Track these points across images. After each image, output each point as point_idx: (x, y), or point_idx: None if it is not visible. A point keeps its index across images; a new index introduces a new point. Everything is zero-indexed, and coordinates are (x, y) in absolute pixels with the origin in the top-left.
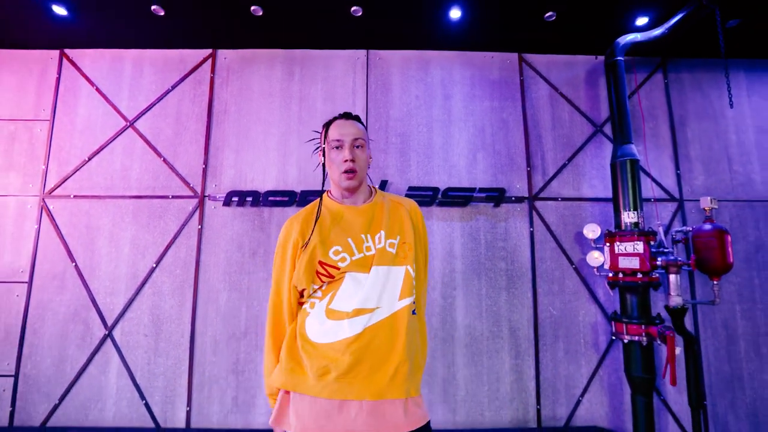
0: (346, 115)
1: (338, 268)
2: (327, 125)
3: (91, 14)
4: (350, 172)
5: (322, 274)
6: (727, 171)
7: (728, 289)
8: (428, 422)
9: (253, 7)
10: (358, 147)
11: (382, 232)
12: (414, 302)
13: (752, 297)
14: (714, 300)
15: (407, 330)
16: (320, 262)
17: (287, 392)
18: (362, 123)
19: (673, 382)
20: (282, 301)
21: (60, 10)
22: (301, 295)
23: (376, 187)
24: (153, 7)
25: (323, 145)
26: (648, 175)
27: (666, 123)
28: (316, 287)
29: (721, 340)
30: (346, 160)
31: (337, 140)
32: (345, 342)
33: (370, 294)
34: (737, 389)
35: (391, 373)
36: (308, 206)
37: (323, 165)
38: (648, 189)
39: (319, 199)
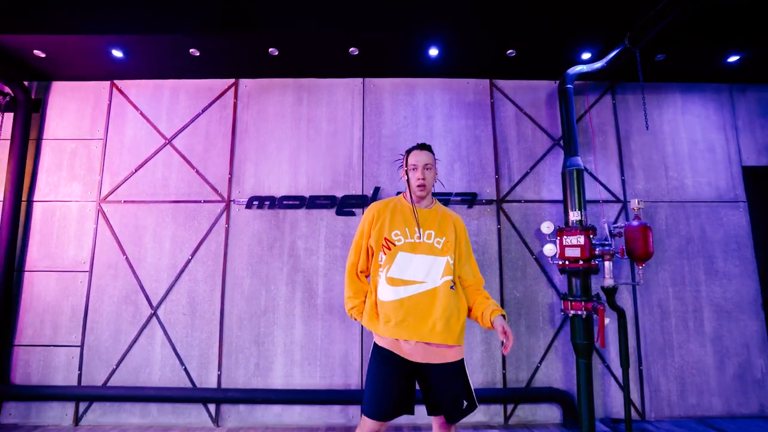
0: (420, 146)
1: (394, 244)
2: (408, 151)
3: (141, 55)
4: (421, 186)
5: (385, 246)
6: (664, 177)
7: (662, 275)
8: (461, 359)
9: (270, 49)
10: (427, 169)
11: (432, 231)
12: (452, 280)
13: (682, 281)
14: (639, 282)
15: (445, 299)
16: (385, 238)
17: None
18: (432, 152)
19: (602, 345)
20: (357, 259)
21: (117, 53)
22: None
23: (436, 199)
24: (191, 50)
25: (405, 167)
26: (597, 180)
27: (613, 137)
28: (383, 256)
29: (656, 316)
30: (418, 179)
31: (414, 165)
32: (399, 302)
33: (417, 272)
34: (668, 356)
35: (429, 326)
36: (387, 199)
37: (407, 177)
38: (597, 193)
39: (397, 195)
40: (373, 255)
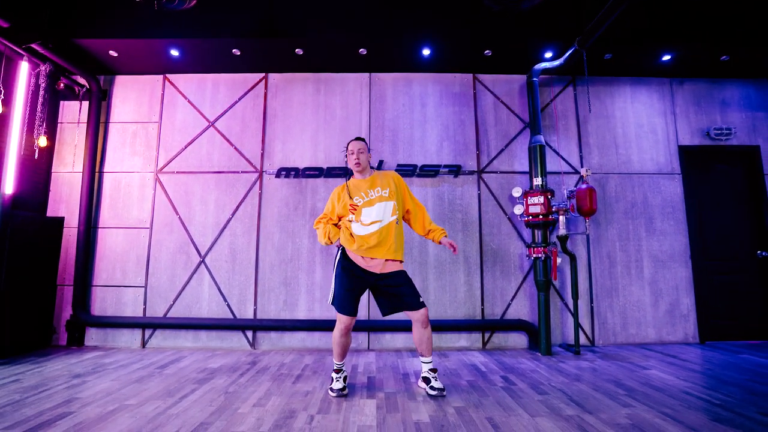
0: (356, 139)
1: (357, 205)
2: (348, 143)
3: (193, 54)
4: (357, 164)
5: (350, 209)
6: (615, 153)
7: (611, 232)
8: (404, 271)
9: (297, 50)
10: (361, 153)
11: (379, 188)
12: (397, 219)
13: (627, 237)
14: (586, 232)
15: (395, 230)
16: (350, 204)
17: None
18: (364, 141)
19: (554, 278)
20: (325, 216)
21: (175, 53)
22: (339, 219)
23: (374, 167)
24: (234, 50)
25: (346, 153)
26: (560, 156)
27: (574, 121)
28: (351, 215)
29: (605, 264)
30: (355, 160)
31: (351, 151)
32: (370, 235)
33: (378, 215)
34: (614, 297)
35: (386, 249)
36: (342, 184)
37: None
38: (560, 166)
39: (347, 178)
40: (340, 218)
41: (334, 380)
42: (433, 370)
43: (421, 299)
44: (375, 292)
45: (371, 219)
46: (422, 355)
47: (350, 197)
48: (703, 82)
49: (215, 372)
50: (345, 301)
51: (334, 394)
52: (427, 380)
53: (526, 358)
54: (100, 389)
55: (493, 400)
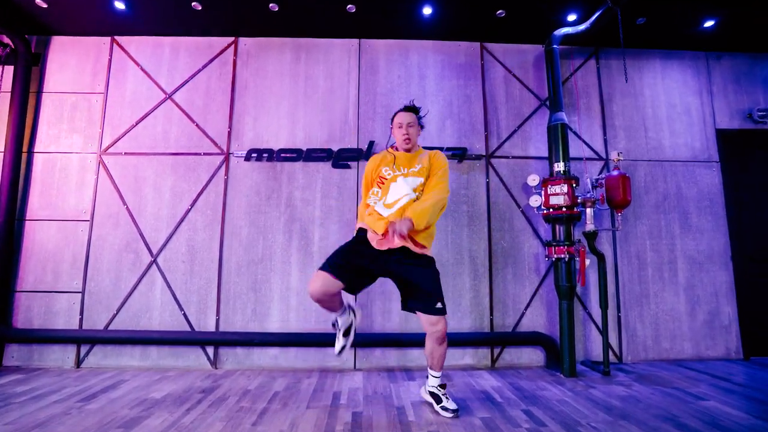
0: (406, 108)
1: (386, 178)
2: (395, 114)
3: (143, 7)
4: (407, 140)
5: (378, 182)
6: (644, 137)
7: (641, 228)
8: (427, 256)
9: (271, 5)
10: (411, 126)
11: (414, 168)
12: (419, 196)
13: (659, 234)
14: (618, 227)
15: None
16: (379, 175)
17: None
18: (416, 111)
19: (583, 284)
20: (366, 190)
21: (120, 5)
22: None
23: (384, 148)
24: (193, 3)
25: (391, 125)
26: (581, 139)
27: (597, 99)
28: (377, 190)
29: (634, 266)
30: (404, 134)
31: (399, 123)
32: (393, 214)
33: (402, 191)
34: (644, 304)
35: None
36: (380, 153)
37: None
38: (581, 151)
39: (388, 147)
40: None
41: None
42: (443, 386)
43: (440, 305)
44: (393, 279)
45: (396, 197)
46: (431, 368)
47: (380, 168)
48: (742, 57)
49: (156, 405)
50: (333, 258)
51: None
52: (436, 398)
53: (546, 381)
54: None
55: None
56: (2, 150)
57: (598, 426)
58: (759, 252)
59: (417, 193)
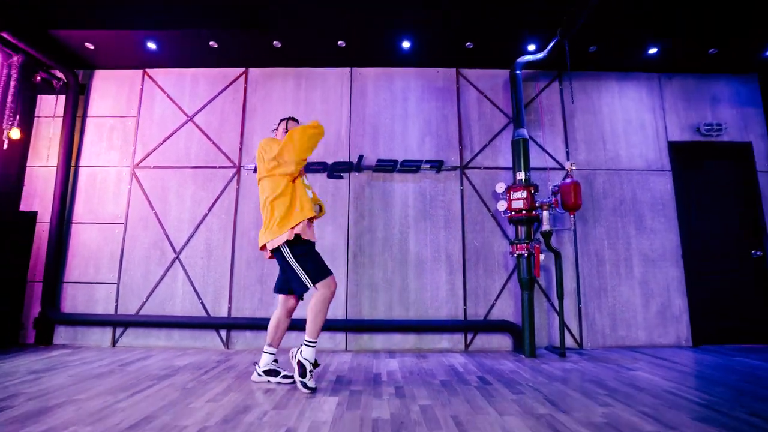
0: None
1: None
2: (284, 120)
3: (169, 46)
4: None
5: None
6: (602, 149)
7: (599, 229)
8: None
9: (274, 42)
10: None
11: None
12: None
13: (616, 234)
14: (571, 228)
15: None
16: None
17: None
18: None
19: (538, 275)
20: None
21: (152, 45)
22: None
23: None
24: (211, 43)
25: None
26: (545, 151)
27: (560, 116)
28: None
29: (593, 263)
30: None
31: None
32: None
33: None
34: (602, 297)
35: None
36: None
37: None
38: (545, 162)
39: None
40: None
41: (309, 370)
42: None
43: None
44: None
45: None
46: (271, 345)
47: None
48: (692, 78)
49: (180, 369)
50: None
51: (312, 388)
52: (275, 372)
53: (508, 360)
54: (52, 385)
55: (462, 398)
56: (56, 165)
57: (534, 385)
58: (707, 250)
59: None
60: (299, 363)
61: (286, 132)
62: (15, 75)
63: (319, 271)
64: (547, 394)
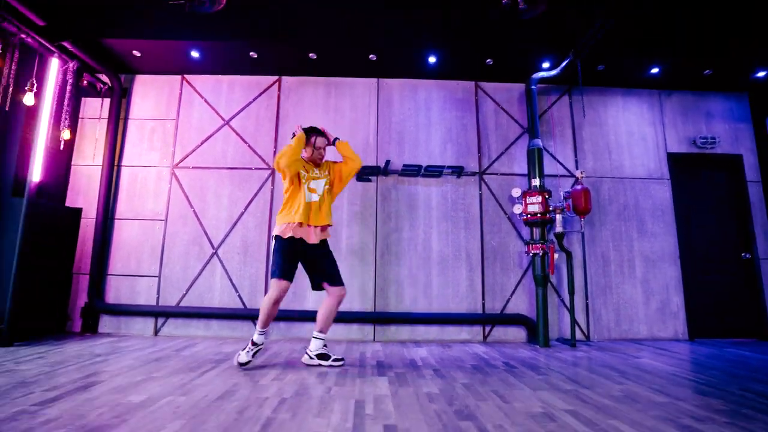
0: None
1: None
2: (318, 137)
3: (212, 55)
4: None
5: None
6: (608, 159)
7: (605, 232)
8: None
9: (310, 54)
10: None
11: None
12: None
13: (620, 237)
14: (581, 230)
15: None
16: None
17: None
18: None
19: (552, 272)
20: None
21: (195, 54)
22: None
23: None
24: (251, 53)
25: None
26: (556, 160)
27: (569, 128)
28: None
29: (600, 263)
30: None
31: (319, 146)
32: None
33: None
34: (608, 294)
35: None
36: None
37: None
38: (556, 170)
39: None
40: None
41: (248, 348)
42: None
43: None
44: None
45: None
46: (321, 331)
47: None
48: (689, 95)
49: (230, 355)
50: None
51: (244, 362)
52: (326, 356)
53: (525, 349)
54: (123, 365)
55: (496, 378)
56: (100, 164)
57: (554, 367)
58: (702, 253)
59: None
60: (251, 341)
61: (316, 148)
62: (71, 80)
63: (275, 269)
64: (568, 375)
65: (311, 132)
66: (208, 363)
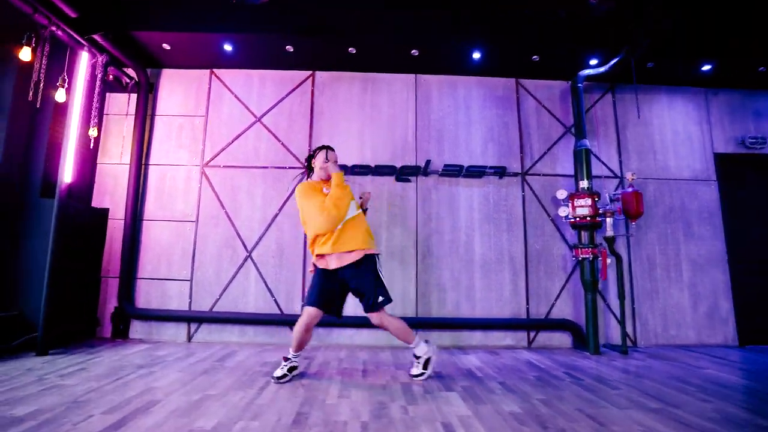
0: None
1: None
2: (326, 150)
3: (245, 48)
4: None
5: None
6: (653, 159)
7: (651, 235)
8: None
9: (350, 48)
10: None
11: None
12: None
13: (666, 240)
14: (632, 234)
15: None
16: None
17: None
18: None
19: (605, 277)
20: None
21: (228, 47)
22: None
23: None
24: (287, 47)
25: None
26: (600, 160)
27: (613, 127)
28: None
29: (645, 267)
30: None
31: (335, 159)
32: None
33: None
34: (654, 299)
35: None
36: (312, 182)
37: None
38: (600, 170)
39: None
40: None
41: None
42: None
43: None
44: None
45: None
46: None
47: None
48: (737, 93)
49: (275, 366)
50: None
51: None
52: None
53: (576, 356)
54: (172, 380)
55: (570, 393)
56: (127, 163)
57: (621, 379)
58: (752, 257)
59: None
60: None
61: (324, 161)
62: (100, 75)
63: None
64: (642, 389)
65: (322, 149)
66: (259, 376)
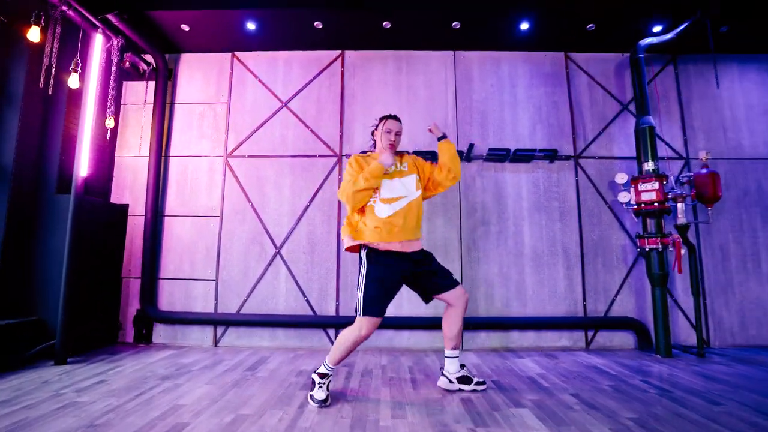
0: (395, 117)
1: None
2: (385, 119)
3: (270, 27)
4: (391, 146)
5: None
6: (723, 137)
7: (723, 222)
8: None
9: (384, 23)
10: (398, 134)
11: (405, 164)
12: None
13: (741, 228)
14: (708, 220)
15: (419, 207)
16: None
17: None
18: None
19: (680, 271)
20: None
21: (251, 26)
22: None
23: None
24: (315, 23)
25: (381, 129)
26: (662, 140)
27: (676, 103)
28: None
29: (718, 258)
30: (390, 140)
31: (389, 129)
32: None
33: (399, 190)
34: (729, 294)
35: (413, 228)
36: (363, 155)
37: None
38: (662, 151)
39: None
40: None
41: (318, 387)
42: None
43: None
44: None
45: (394, 194)
46: (455, 348)
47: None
48: None
49: (310, 374)
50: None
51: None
52: (468, 380)
53: (645, 360)
54: (199, 395)
55: (663, 410)
56: (147, 155)
57: (715, 391)
58: None
59: (419, 191)
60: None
61: (385, 132)
62: (115, 60)
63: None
64: (751, 404)
65: (389, 119)
66: (296, 389)
